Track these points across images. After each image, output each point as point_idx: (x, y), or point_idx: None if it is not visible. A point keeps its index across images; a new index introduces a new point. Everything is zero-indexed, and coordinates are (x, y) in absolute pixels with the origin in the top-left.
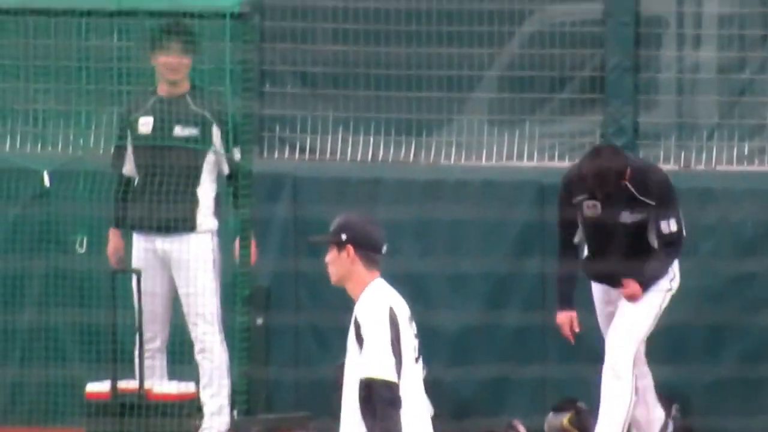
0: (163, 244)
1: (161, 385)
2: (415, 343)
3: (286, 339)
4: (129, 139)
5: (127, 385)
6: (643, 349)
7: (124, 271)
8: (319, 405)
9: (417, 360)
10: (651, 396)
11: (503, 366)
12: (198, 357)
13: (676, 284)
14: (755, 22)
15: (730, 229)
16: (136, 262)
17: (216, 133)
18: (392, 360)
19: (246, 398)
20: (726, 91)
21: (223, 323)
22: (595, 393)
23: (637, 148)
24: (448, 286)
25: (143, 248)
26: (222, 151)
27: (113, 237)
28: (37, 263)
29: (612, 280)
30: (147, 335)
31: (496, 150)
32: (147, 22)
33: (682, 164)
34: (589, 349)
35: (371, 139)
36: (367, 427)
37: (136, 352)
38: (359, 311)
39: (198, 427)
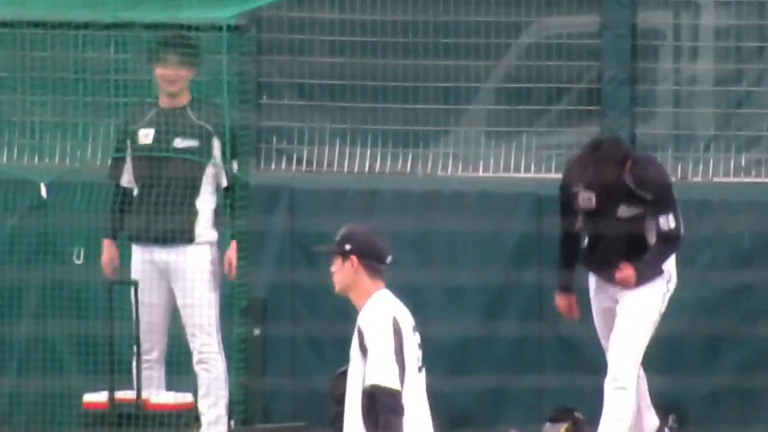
0: (162, 255)
1: (158, 395)
2: (419, 352)
3: (283, 350)
4: (129, 150)
5: (125, 395)
6: None
7: (121, 282)
8: (316, 415)
9: (420, 369)
10: (644, 402)
11: (500, 376)
12: (196, 368)
13: (672, 286)
14: (752, 35)
15: (727, 241)
16: (135, 273)
17: (216, 145)
18: (396, 369)
19: (243, 408)
20: (723, 103)
21: (221, 334)
22: (593, 403)
23: None
24: (445, 297)
25: (142, 259)
26: (221, 164)
27: (107, 248)
28: (34, 274)
29: (609, 274)
30: (145, 346)
31: (493, 161)
32: (144, 35)
33: (679, 176)
34: (586, 360)
35: (368, 151)
36: None
37: (134, 363)
38: (363, 321)
39: None
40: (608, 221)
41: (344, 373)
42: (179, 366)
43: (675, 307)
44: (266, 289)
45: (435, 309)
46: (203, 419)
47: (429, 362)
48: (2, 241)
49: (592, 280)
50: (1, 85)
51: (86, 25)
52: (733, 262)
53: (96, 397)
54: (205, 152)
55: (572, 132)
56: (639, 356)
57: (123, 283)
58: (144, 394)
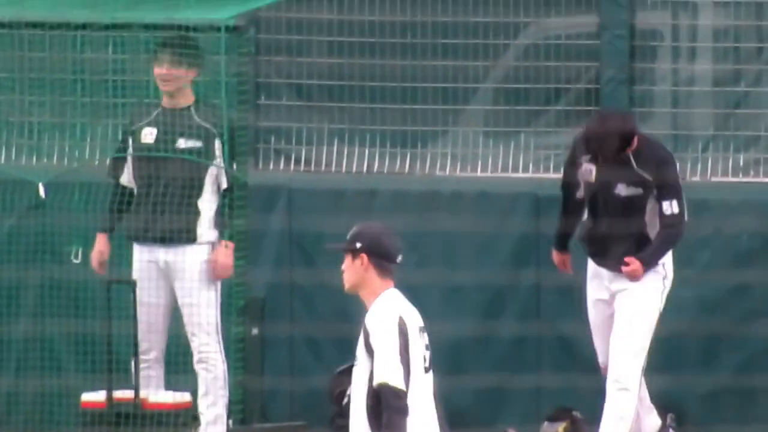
0: (163, 254)
1: (157, 394)
2: (426, 353)
3: (281, 349)
4: (130, 148)
5: (123, 394)
6: None
7: (119, 282)
8: (314, 414)
9: (427, 370)
10: (644, 403)
11: (498, 376)
12: (197, 367)
13: (669, 283)
14: (750, 35)
15: (726, 241)
16: (136, 272)
17: (218, 146)
18: (401, 368)
19: (241, 408)
20: (721, 103)
21: (221, 334)
22: (591, 402)
23: None
24: (443, 297)
25: (143, 259)
26: (222, 165)
27: (99, 241)
28: (32, 274)
29: (605, 258)
30: (144, 345)
31: (492, 161)
32: (142, 35)
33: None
34: (584, 359)
35: (366, 151)
36: None
37: (133, 362)
38: (369, 320)
39: None
40: (606, 198)
41: (342, 373)
42: (178, 365)
43: (673, 306)
44: (264, 289)
45: (433, 309)
46: (202, 419)
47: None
48: (0, 241)
49: (590, 267)
50: (0, 86)
51: (84, 26)
52: (732, 261)
53: (94, 397)
54: (208, 153)
55: (571, 132)
56: (641, 356)
57: (121, 283)
58: (142, 394)
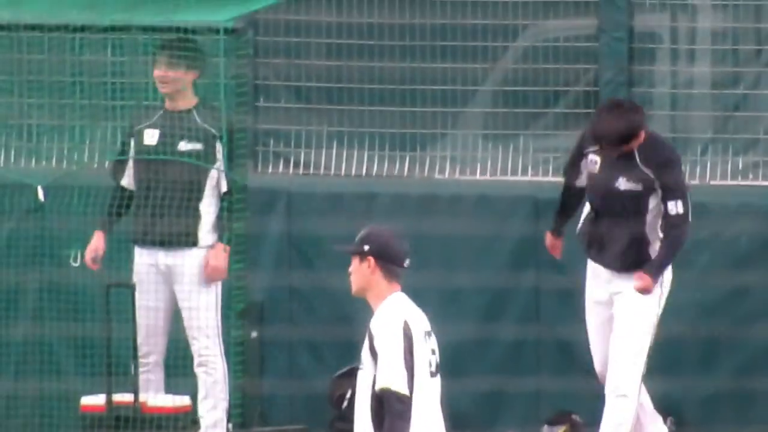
0: (164, 258)
1: (156, 398)
2: (432, 357)
3: (280, 352)
4: (132, 150)
5: (122, 398)
6: None
7: (118, 285)
8: (314, 418)
9: (433, 375)
10: (645, 412)
11: (498, 379)
12: (197, 370)
13: (667, 288)
14: (749, 37)
15: (725, 244)
16: (137, 275)
17: (219, 148)
18: (404, 373)
19: (241, 411)
20: (720, 106)
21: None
22: (590, 406)
23: None
24: (442, 300)
25: (145, 262)
26: (223, 168)
27: (96, 238)
28: (31, 277)
29: (601, 255)
30: (145, 349)
31: (491, 164)
32: (140, 38)
33: None
34: (583, 363)
35: (365, 154)
36: None
37: (132, 365)
38: (374, 324)
39: None
40: (606, 192)
41: (342, 376)
42: (178, 369)
43: (673, 309)
44: (263, 292)
45: (432, 312)
46: (202, 422)
47: None
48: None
49: (589, 269)
50: None
51: (83, 28)
52: (731, 265)
53: (93, 400)
54: (209, 156)
55: (569, 135)
56: (639, 362)
57: (120, 286)
58: (142, 397)
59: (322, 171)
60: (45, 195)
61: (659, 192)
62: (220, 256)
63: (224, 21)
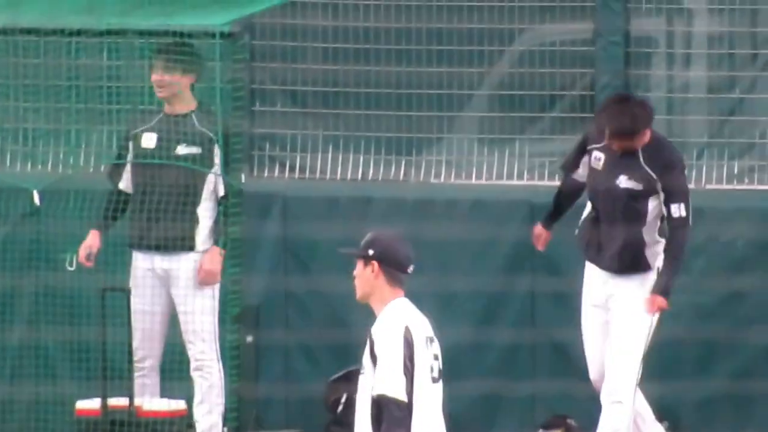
0: (162, 262)
1: (151, 402)
2: (435, 363)
3: (275, 357)
4: (130, 153)
5: (118, 402)
6: None
7: (113, 290)
8: (309, 422)
9: (435, 381)
10: (645, 421)
11: (493, 383)
12: (194, 375)
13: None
14: (745, 42)
15: (721, 248)
16: (134, 279)
17: (218, 153)
18: (403, 380)
19: (236, 416)
20: (716, 110)
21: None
22: (586, 410)
23: None
24: (438, 304)
25: (142, 266)
26: (220, 172)
27: (91, 236)
28: (27, 281)
29: (598, 255)
30: (141, 353)
31: (487, 169)
32: (137, 42)
33: None
34: (578, 367)
35: (361, 158)
36: None
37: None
38: (375, 329)
39: None
40: (607, 189)
41: (337, 380)
42: (173, 373)
43: (669, 313)
44: (259, 296)
45: (428, 316)
46: (198, 426)
47: None
48: None
49: (586, 272)
50: None
51: (79, 32)
52: (727, 269)
53: (89, 404)
54: (206, 159)
55: (566, 139)
56: (634, 368)
57: (116, 290)
58: (137, 401)
59: (317, 175)
60: (41, 199)
61: (660, 194)
62: (215, 260)
63: (220, 25)
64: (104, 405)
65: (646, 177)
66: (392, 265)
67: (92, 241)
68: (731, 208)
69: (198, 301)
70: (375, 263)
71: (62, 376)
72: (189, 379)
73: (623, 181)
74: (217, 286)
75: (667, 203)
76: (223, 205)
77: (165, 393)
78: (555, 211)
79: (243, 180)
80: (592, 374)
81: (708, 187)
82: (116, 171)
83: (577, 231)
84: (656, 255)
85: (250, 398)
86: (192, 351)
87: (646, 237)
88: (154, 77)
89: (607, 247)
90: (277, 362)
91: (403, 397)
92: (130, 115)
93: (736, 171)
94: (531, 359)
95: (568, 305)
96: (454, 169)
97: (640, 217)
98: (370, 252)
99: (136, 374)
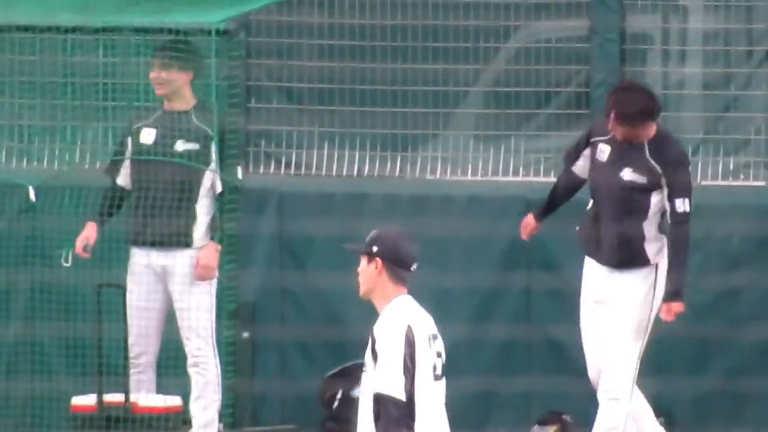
0: (159, 258)
1: (147, 398)
2: (438, 360)
3: (271, 353)
4: (129, 149)
5: (113, 398)
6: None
7: (109, 285)
8: (305, 418)
9: (438, 378)
10: (641, 419)
11: (489, 379)
12: (191, 371)
13: (660, 289)
14: (740, 38)
15: (716, 245)
16: (132, 275)
17: (215, 149)
18: (402, 379)
19: (232, 411)
20: (711, 106)
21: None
22: (581, 406)
23: None
24: (433, 301)
25: (140, 262)
26: (217, 169)
27: (88, 227)
28: (22, 277)
29: (598, 248)
30: (137, 350)
31: (482, 165)
32: (132, 39)
33: None
34: (574, 363)
35: (357, 154)
36: None
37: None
38: (377, 327)
39: None
40: (611, 181)
41: (333, 376)
42: (169, 369)
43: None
44: (255, 293)
45: None
46: (194, 422)
47: None
48: None
49: (585, 267)
50: None
51: (75, 29)
52: (722, 265)
53: (84, 400)
54: (206, 156)
55: (561, 136)
56: (630, 365)
57: (111, 286)
58: (132, 397)
59: (313, 171)
60: (36, 195)
61: (664, 189)
62: (212, 255)
63: (216, 22)
64: (100, 401)
65: (651, 171)
66: (395, 263)
67: (89, 232)
68: (726, 205)
69: (195, 297)
70: (378, 260)
71: (58, 372)
72: (185, 375)
73: (627, 174)
74: (214, 282)
75: (672, 198)
76: (220, 201)
77: (161, 389)
78: (548, 205)
79: (240, 176)
80: (591, 372)
81: (703, 183)
82: (114, 166)
83: (578, 228)
84: (655, 250)
85: (245, 394)
86: (189, 347)
87: (647, 231)
88: (153, 75)
89: (607, 241)
90: (273, 358)
91: (401, 396)
92: (129, 111)
93: (731, 167)
94: (526, 355)
95: (564, 301)
96: (449, 165)
97: (642, 210)
98: (374, 249)
99: (132, 370)
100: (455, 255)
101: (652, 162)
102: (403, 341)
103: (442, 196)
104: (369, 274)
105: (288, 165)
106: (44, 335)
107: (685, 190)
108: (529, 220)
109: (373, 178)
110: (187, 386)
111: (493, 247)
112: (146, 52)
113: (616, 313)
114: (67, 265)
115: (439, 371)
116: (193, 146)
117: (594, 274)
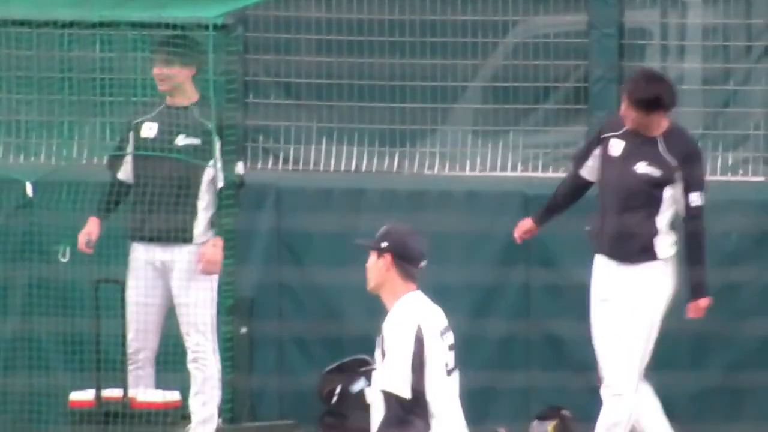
0: (161, 254)
1: (146, 393)
2: (449, 354)
3: (270, 348)
4: (130, 144)
5: (111, 393)
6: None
7: (107, 281)
8: (303, 414)
9: (450, 372)
10: (647, 418)
11: (488, 375)
12: (190, 366)
13: (669, 287)
14: (739, 33)
15: (715, 240)
16: (132, 271)
17: (218, 145)
18: (409, 376)
19: (230, 407)
20: (710, 102)
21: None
22: (580, 401)
23: None
24: (432, 296)
25: (141, 258)
26: (219, 164)
27: (90, 222)
28: (20, 273)
29: (610, 243)
30: (135, 345)
31: (480, 160)
32: (129, 34)
33: None
34: (573, 358)
35: (355, 150)
36: None
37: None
38: (386, 324)
39: None
40: (624, 175)
41: (331, 372)
42: (167, 364)
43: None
44: (253, 288)
45: None
46: (193, 418)
47: None
48: None
49: (595, 265)
50: None
51: (72, 24)
52: (721, 261)
53: (82, 396)
54: (207, 151)
55: (559, 131)
56: (634, 361)
57: (109, 282)
58: (131, 393)
59: (311, 167)
60: (33, 191)
61: (678, 183)
62: (217, 250)
63: (213, 17)
64: (98, 396)
65: (666, 165)
66: (404, 259)
67: (91, 228)
68: (725, 200)
69: (195, 293)
70: (388, 256)
71: (55, 368)
72: (184, 371)
73: (641, 167)
74: (215, 278)
75: (687, 192)
76: (220, 197)
77: (160, 384)
78: (549, 209)
79: (242, 171)
80: (602, 372)
81: None
82: (116, 161)
83: (587, 228)
84: (664, 245)
85: (244, 389)
86: (189, 342)
87: (659, 225)
88: (155, 71)
89: (618, 235)
90: (271, 354)
91: (406, 394)
92: (126, 106)
93: (730, 162)
94: (525, 351)
95: (563, 297)
96: (448, 160)
97: (655, 204)
98: (384, 244)
99: (130, 366)
100: (454, 250)
101: (666, 156)
102: (412, 339)
103: (441, 192)
104: (378, 269)
105: (286, 160)
106: (42, 331)
107: (700, 185)
108: (527, 223)
109: (372, 174)
110: (186, 381)
111: (492, 242)
112: (143, 47)
113: (624, 307)
114: (65, 260)
115: (450, 366)
116: (194, 141)
117: (602, 272)
